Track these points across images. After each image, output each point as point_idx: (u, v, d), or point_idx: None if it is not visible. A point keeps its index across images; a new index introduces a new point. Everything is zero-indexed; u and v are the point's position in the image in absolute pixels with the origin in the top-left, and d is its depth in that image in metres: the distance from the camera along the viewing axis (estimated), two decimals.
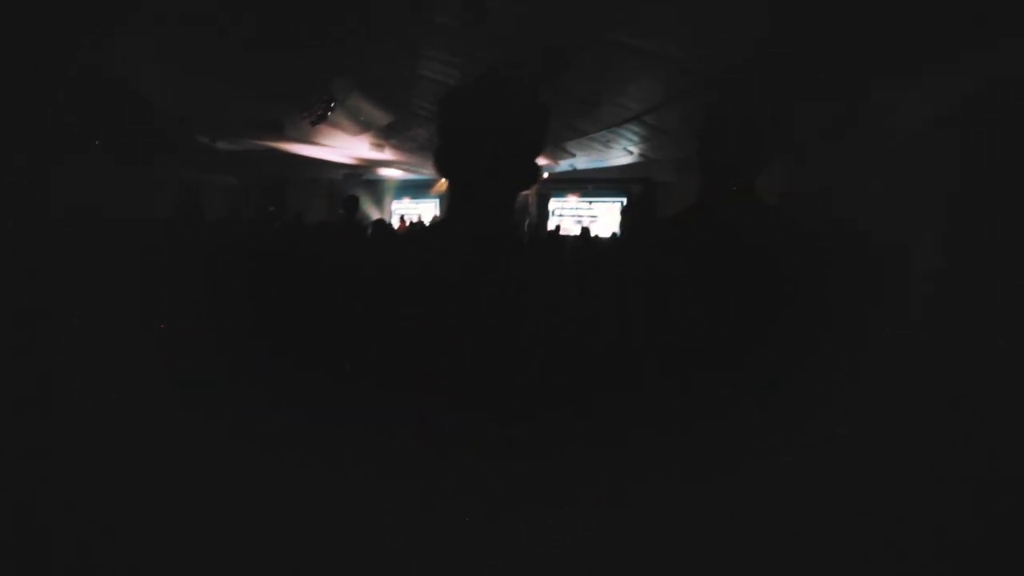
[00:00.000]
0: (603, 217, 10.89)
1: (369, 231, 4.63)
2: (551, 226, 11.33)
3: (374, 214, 12.26)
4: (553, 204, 11.80)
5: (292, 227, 4.05)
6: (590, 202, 11.27)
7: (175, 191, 9.06)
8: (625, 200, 10.37)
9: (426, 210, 12.81)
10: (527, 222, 11.49)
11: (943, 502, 1.91)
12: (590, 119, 7.04)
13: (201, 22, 4.33)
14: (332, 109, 6.34)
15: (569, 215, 11.52)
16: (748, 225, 0.89)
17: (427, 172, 11.49)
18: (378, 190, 13.10)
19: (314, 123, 6.74)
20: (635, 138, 7.83)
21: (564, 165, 10.24)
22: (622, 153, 8.91)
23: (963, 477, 1.96)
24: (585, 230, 8.57)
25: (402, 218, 12.45)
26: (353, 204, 4.17)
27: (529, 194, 11.75)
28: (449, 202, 0.81)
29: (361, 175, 12.16)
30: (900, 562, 1.79)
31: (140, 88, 5.67)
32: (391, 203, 13.44)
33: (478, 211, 0.76)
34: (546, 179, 10.87)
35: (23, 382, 2.66)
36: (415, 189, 13.07)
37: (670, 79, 4.96)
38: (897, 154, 4.86)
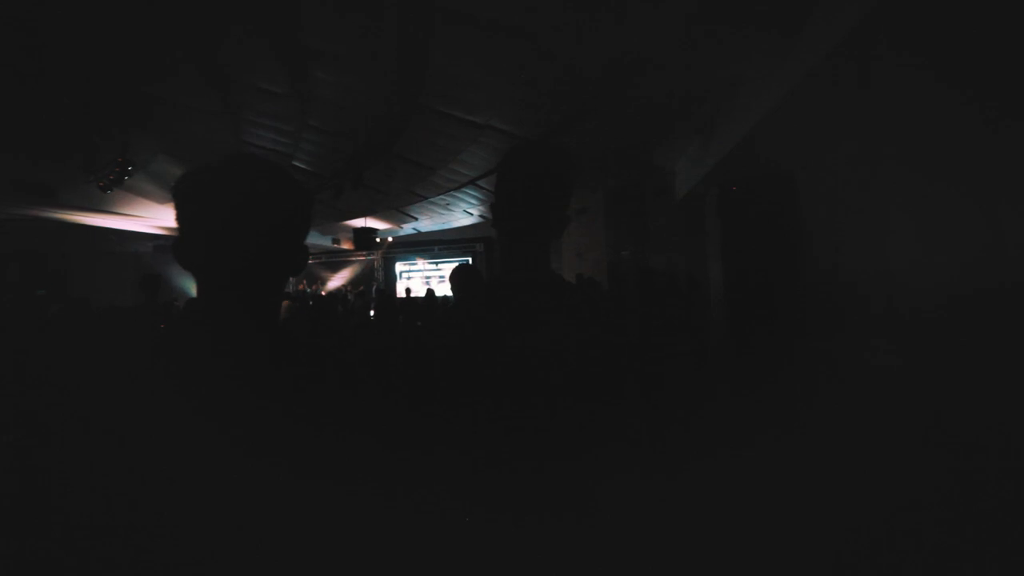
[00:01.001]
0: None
1: (178, 312, 3.97)
2: (400, 289, 11.18)
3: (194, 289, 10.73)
4: (400, 267, 11.72)
5: (72, 314, 3.27)
6: (436, 263, 11.47)
7: None
8: (470, 260, 10.76)
9: None
10: (374, 286, 11.17)
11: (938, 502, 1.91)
12: (427, 184, 7.28)
13: None
14: (129, 173, 5.51)
15: (417, 277, 11.54)
16: (530, 297, 0.90)
17: None
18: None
19: (105, 188, 5.76)
20: (474, 201, 8.27)
21: (408, 228, 10.33)
22: (463, 215, 9.33)
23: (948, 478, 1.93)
24: (430, 291, 8.62)
25: None
26: (153, 284, 3.43)
27: (376, 257, 11.49)
28: (193, 302, 0.67)
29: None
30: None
31: None
32: None
33: (223, 314, 0.64)
34: (391, 243, 10.81)
35: None
36: None
37: (498, 147, 5.42)
38: (680, 209, 5.90)
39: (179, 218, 0.65)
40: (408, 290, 10.89)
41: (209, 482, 0.56)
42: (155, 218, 7.76)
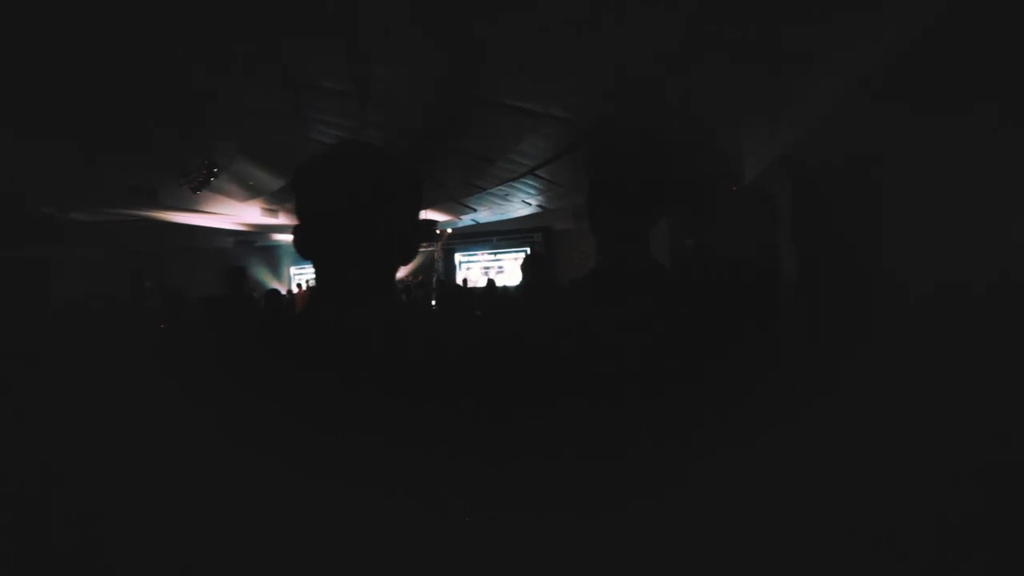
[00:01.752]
0: (509, 267, 11.19)
1: (261, 303, 4.29)
2: (459, 279, 11.42)
3: (271, 281, 11.53)
4: (459, 257, 11.94)
5: (173, 302, 3.62)
6: (495, 254, 11.58)
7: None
8: (528, 250, 10.78)
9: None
10: (434, 277, 11.48)
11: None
12: (487, 176, 7.34)
13: (51, 81, 3.93)
14: (214, 175, 5.98)
15: (476, 267, 11.72)
16: (636, 290, 0.91)
17: None
18: (274, 256, 12.39)
19: (195, 189, 6.30)
20: (531, 191, 8.26)
21: (467, 220, 10.50)
22: (521, 205, 9.34)
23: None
24: (491, 281, 8.73)
25: (300, 285, 11.84)
26: (238, 276, 3.73)
27: (435, 249, 11.80)
28: (315, 288, 0.70)
29: (254, 241, 11.48)
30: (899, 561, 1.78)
31: None
32: (289, 268, 12.76)
33: (346, 299, 0.66)
34: (450, 234, 11.04)
35: None
36: None
37: (556, 136, 5.35)
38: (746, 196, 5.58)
39: (298, 207, 0.67)
40: (465, 280, 11.10)
41: (347, 468, 0.59)
42: (236, 215, 8.38)
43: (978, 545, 1.72)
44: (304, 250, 0.67)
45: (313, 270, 0.69)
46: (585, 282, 0.98)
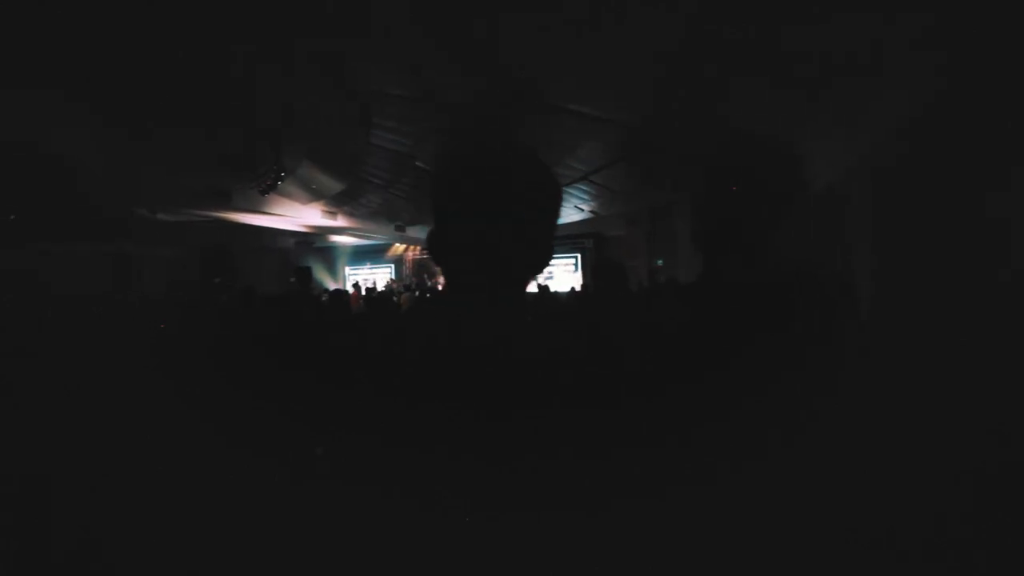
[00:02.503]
0: (559, 274, 11.11)
1: (325, 300, 4.46)
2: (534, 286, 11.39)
3: (327, 281, 11.99)
4: None
5: (244, 299, 3.83)
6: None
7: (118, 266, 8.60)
8: (579, 256, 10.67)
9: (381, 276, 12.79)
10: None
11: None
12: None
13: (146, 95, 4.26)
14: (282, 178, 6.29)
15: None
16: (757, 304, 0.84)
17: (380, 237, 11.48)
18: (331, 256, 12.91)
19: (263, 192, 6.65)
20: (585, 196, 8.20)
21: None
22: (574, 211, 9.28)
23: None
24: (543, 287, 8.69)
25: (355, 285, 12.26)
26: (306, 275, 3.97)
27: None
28: (445, 293, 0.67)
29: (313, 242, 12.00)
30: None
31: (75, 164, 5.44)
32: (344, 269, 13.25)
33: (478, 308, 0.62)
34: None
35: None
36: (369, 254, 13.01)
37: (613, 141, 5.27)
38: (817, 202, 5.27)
39: (436, 209, 0.64)
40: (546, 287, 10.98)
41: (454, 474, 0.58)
42: (298, 217, 8.78)
43: (978, 545, 1.73)
44: (436, 254, 0.63)
45: (441, 273, 0.65)
46: (692, 291, 0.92)
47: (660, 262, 8.99)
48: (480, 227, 0.60)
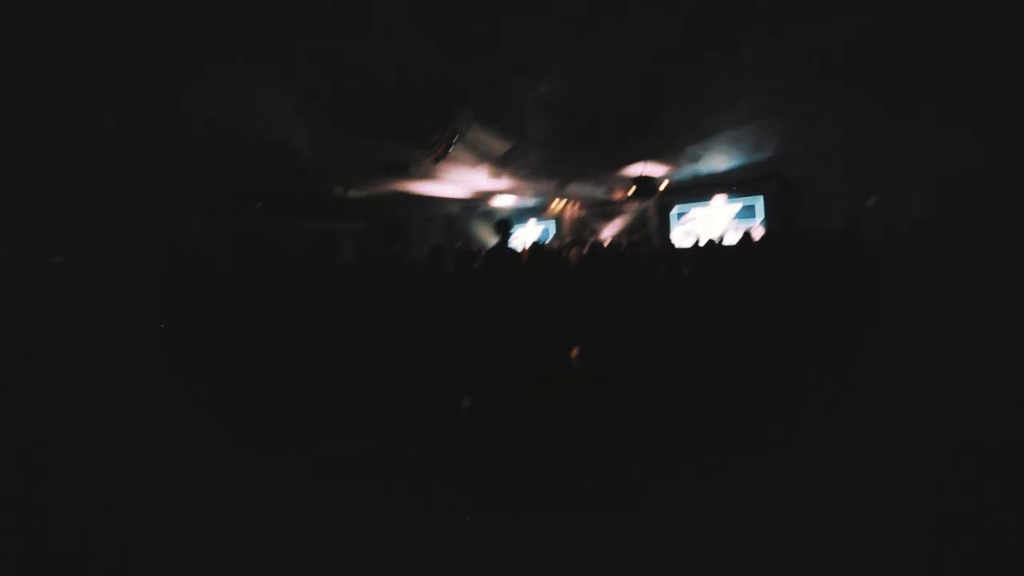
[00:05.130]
0: (729, 222, 9.86)
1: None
2: (678, 237, 10.52)
3: (491, 241, 12.45)
4: (679, 211, 10.93)
5: (458, 255, 4.09)
6: (726, 202, 10.17)
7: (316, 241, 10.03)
8: (762, 199, 9.31)
9: (534, 234, 13.09)
10: (648, 232, 10.83)
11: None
12: (723, 116, 6.42)
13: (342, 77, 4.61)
14: (454, 143, 6.44)
15: (700, 221, 10.58)
16: None
17: (538, 196, 11.42)
18: (493, 220, 13.33)
19: (437, 160, 6.92)
20: (770, 132, 7.08)
21: (687, 171, 9.51)
22: (751, 151, 8.07)
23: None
24: (711, 240, 7.77)
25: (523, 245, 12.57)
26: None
27: (648, 205, 11.10)
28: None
29: (477, 207, 12.46)
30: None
31: (290, 147, 6.26)
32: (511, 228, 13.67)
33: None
34: (666, 188, 10.16)
35: None
36: (528, 214, 13.16)
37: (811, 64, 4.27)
38: None
39: None
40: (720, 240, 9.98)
41: None
42: (468, 181, 9.09)
43: (978, 545, 1.76)
44: None
45: None
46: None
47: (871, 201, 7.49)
48: None
